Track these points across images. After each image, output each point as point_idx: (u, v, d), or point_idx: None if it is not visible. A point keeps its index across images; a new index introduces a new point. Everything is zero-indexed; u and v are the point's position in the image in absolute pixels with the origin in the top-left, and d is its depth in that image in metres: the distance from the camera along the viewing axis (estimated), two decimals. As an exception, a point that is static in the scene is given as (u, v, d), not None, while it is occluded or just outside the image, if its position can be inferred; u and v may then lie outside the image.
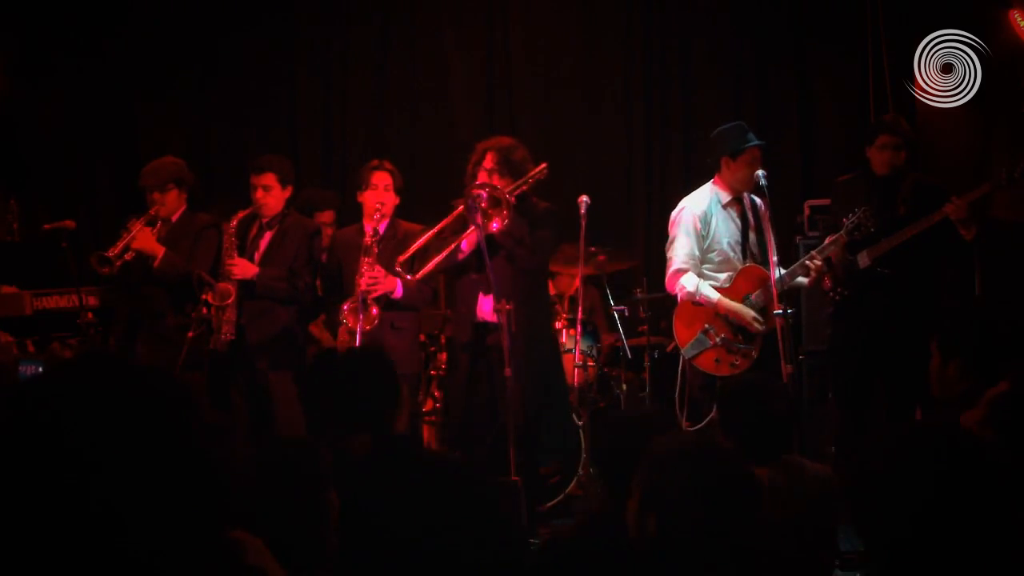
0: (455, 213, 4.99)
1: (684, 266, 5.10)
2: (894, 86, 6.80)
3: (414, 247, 5.04)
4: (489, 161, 5.02)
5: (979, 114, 6.58)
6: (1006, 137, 6.54)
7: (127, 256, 5.20)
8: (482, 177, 4.99)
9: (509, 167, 5.00)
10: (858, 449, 1.96)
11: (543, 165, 5.03)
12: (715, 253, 5.13)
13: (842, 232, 5.05)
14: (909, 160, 5.45)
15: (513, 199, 4.84)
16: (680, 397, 5.22)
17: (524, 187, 5.00)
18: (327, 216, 6.17)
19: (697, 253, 5.11)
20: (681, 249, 5.12)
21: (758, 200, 5.20)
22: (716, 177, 5.18)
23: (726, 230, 5.14)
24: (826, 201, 5.79)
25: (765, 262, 5.03)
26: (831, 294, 5.32)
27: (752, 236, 5.17)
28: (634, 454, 2.19)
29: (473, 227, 4.82)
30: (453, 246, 4.98)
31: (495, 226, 4.77)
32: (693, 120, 7.47)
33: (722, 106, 7.39)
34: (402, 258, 5.03)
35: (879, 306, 5.21)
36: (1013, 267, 6.14)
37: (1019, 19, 6.36)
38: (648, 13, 7.58)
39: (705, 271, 5.13)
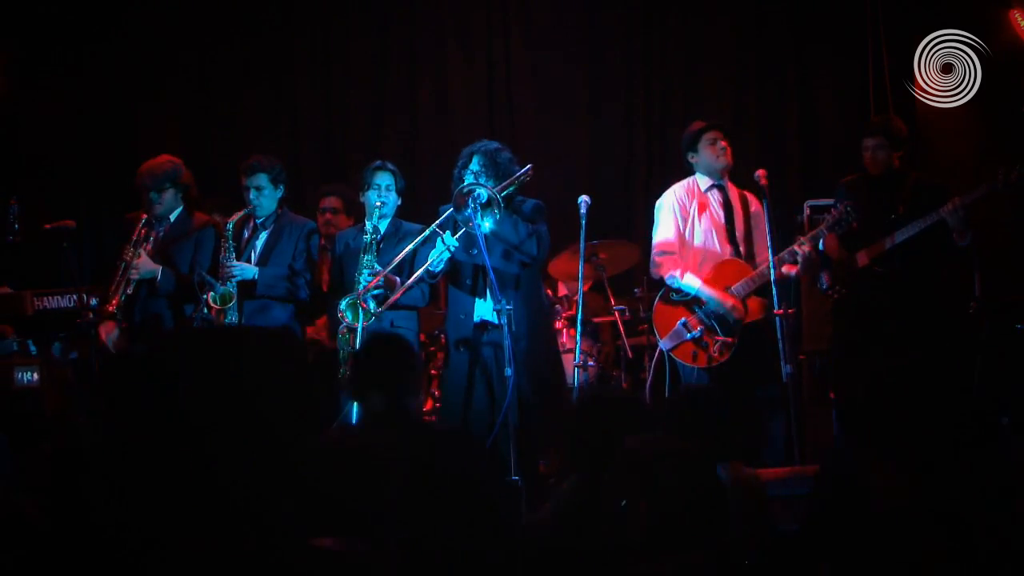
0: (444, 216, 5.01)
1: (666, 249, 5.28)
2: (894, 86, 6.80)
3: (401, 255, 5.07)
4: (476, 164, 5.06)
5: (979, 114, 6.59)
6: (1006, 137, 6.54)
7: (128, 291, 5.24)
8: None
9: (495, 169, 5.03)
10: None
11: (529, 167, 5.05)
12: (695, 237, 5.25)
13: (822, 226, 5.10)
14: (906, 160, 5.47)
15: (501, 199, 4.86)
16: (651, 390, 5.43)
17: (511, 186, 5.03)
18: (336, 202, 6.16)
19: (675, 234, 5.27)
20: (663, 232, 5.32)
21: (751, 198, 5.33)
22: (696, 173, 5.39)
23: (706, 216, 5.24)
24: (827, 201, 5.80)
25: (752, 255, 5.17)
26: (829, 292, 5.34)
27: (742, 227, 5.25)
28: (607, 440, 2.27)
29: (462, 225, 4.84)
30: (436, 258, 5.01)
31: (488, 225, 4.77)
32: (693, 120, 7.46)
33: (722, 106, 7.40)
34: (391, 264, 5.06)
35: (877, 305, 5.22)
36: (1013, 267, 6.15)
37: (1019, 19, 6.37)
38: (649, 14, 7.57)
39: (687, 256, 5.25)
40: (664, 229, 5.33)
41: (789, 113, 7.37)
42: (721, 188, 5.31)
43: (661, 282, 5.33)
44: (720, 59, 7.46)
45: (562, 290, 6.85)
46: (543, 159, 6.42)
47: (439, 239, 4.96)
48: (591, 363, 6.09)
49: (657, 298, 5.33)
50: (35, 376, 5.37)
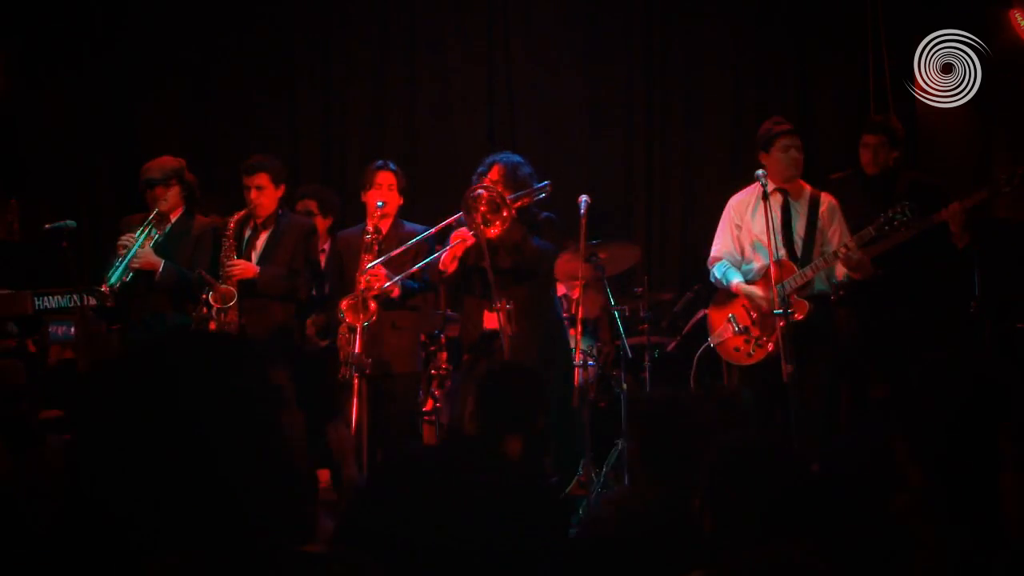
0: (453, 218, 5.00)
1: (717, 254, 5.34)
2: (894, 86, 6.80)
3: (403, 248, 5.07)
4: (495, 173, 5.05)
5: (979, 114, 6.59)
6: (1006, 137, 6.54)
7: (125, 279, 5.23)
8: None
9: (514, 181, 5.02)
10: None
11: (547, 183, 5.04)
12: (750, 242, 5.24)
13: (870, 228, 4.99)
14: (902, 159, 5.46)
15: (514, 209, 4.84)
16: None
17: (526, 199, 5.00)
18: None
19: (731, 242, 5.29)
20: (718, 237, 5.36)
21: (825, 197, 5.20)
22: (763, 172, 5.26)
23: (762, 219, 5.18)
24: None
25: (809, 256, 5.09)
26: (830, 293, 5.33)
27: (803, 231, 5.15)
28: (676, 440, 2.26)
29: (469, 229, 4.84)
30: (444, 249, 5.01)
31: (493, 231, 4.76)
32: (694, 120, 7.48)
33: (722, 106, 7.41)
34: (393, 254, 5.06)
35: (875, 306, 5.22)
36: (1013, 267, 6.15)
37: (1019, 19, 6.36)
38: (648, 14, 7.58)
39: (743, 260, 5.27)
40: (718, 238, 5.37)
41: (789, 113, 7.34)
42: (785, 192, 5.17)
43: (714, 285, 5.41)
44: (720, 59, 7.46)
45: (562, 290, 6.84)
46: (544, 159, 6.43)
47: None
48: (591, 363, 6.08)
49: (712, 299, 5.43)
50: (72, 330, 5.36)
